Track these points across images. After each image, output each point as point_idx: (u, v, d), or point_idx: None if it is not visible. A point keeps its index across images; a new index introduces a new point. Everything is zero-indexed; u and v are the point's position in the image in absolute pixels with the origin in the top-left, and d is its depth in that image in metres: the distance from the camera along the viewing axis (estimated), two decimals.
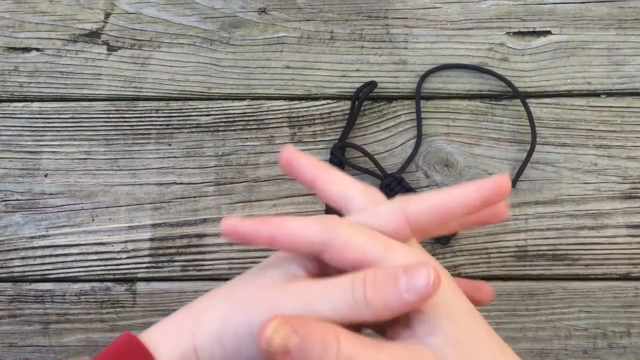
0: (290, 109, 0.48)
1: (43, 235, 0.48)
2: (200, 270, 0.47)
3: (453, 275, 0.46)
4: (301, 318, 0.23)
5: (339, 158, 0.46)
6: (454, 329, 0.24)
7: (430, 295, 0.23)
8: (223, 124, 0.48)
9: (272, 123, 0.48)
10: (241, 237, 0.25)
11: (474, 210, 0.26)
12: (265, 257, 0.46)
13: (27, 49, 0.50)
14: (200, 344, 0.25)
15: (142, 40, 0.50)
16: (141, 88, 0.49)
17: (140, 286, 0.47)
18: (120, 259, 0.47)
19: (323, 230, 0.25)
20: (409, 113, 0.48)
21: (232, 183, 0.48)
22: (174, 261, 0.47)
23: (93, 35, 0.50)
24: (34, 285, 0.48)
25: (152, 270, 0.47)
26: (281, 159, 0.28)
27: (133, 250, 0.47)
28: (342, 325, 0.24)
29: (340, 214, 0.28)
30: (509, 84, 0.47)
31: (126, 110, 0.49)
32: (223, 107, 0.49)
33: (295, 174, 0.28)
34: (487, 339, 0.24)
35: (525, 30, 0.49)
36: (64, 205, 0.48)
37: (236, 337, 0.25)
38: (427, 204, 0.26)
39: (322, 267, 0.27)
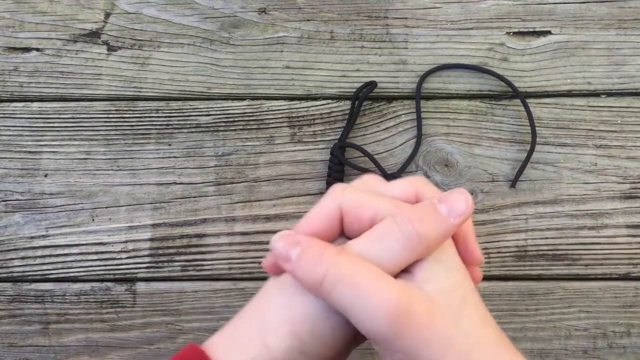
0: (290, 109, 0.48)
1: (43, 235, 0.48)
2: (200, 270, 0.47)
3: None
4: (308, 236, 0.26)
5: (339, 158, 0.46)
6: (448, 281, 0.26)
7: (470, 213, 0.25)
8: (223, 124, 0.48)
9: (272, 123, 0.48)
10: (279, 266, 0.26)
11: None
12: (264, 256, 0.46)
13: (27, 49, 0.50)
14: (273, 342, 0.25)
15: (142, 40, 0.50)
16: (141, 88, 0.49)
17: (140, 286, 0.47)
18: (120, 259, 0.47)
19: (333, 198, 0.27)
20: (409, 113, 0.48)
21: (232, 183, 0.48)
22: (174, 261, 0.47)
23: (93, 35, 0.50)
24: (34, 285, 0.48)
25: (152, 270, 0.47)
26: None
27: (133, 250, 0.47)
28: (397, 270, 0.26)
29: None
30: (509, 84, 0.47)
31: (126, 110, 0.49)
32: (223, 107, 0.49)
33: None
34: (473, 295, 0.26)
35: (525, 30, 0.49)
36: (64, 205, 0.48)
37: (309, 320, 0.25)
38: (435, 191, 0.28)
39: None
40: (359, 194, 0.27)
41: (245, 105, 0.49)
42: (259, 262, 0.47)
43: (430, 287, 0.25)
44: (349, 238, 0.27)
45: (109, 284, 0.47)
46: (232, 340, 0.26)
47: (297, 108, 0.48)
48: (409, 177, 0.29)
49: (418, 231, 0.25)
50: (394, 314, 0.23)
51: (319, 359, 0.26)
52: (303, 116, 0.48)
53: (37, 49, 0.50)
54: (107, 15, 0.50)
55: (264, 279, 0.47)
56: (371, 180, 0.30)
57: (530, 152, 0.46)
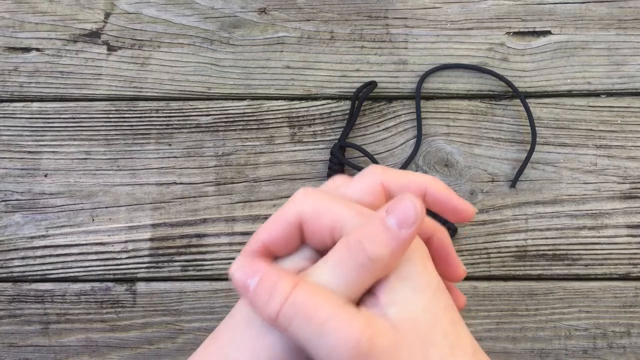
0: (290, 109, 0.48)
1: (43, 235, 0.48)
2: (200, 270, 0.47)
3: None
4: (268, 263, 0.24)
5: (339, 158, 0.46)
6: (416, 304, 0.23)
7: (422, 219, 0.23)
8: (223, 124, 0.48)
9: (272, 123, 0.48)
10: (244, 285, 0.24)
11: (437, 210, 0.27)
12: None
13: (27, 49, 0.50)
14: None
15: (142, 40, 0.50)
16: (141, 88, 0.49)
17: (140, 286, 0.47)
18: (120, 259, 0.47)
19: (294, 204, 0.25)
20: (409, 113, 0.48)
21: (232, 183, 0.48)
22: (174, 261, 0.47)
23: (93, 35, 0.50)
24: (34, 285, 0.48)
25: (152, 270, 0.47)
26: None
27: (133, 250, 0.47)
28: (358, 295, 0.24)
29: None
30: (509, 84, 0.47)
31: (126, 110, 0.49)
32: (223, 107, 0.49)
33: None
34: (444, 316, 0.24)
35: (525, 30, 0.49)
36: (64, 205, 0.48)
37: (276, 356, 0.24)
38: (405, 180, 0.26)
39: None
40: (319, 201, 0.25)
41: (245, 105, 0.49)
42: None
43: (395, 312, 0.23)
44: (317, 249, 0.26)
45: (109, 284, 0.47)
46: None
47: (297, 108, 0.48)
48: (368, 168, 0.27)
49: (370, 255, 0.23)
50: (355, 353, 0.21)
51: None
52: (303, 116, 0.48)
53: (37, 49, 0.50)
54: (107, 15, 0.50)
55: None
56: (338, 180, 0.27)
57: (530, 152, 0.46)
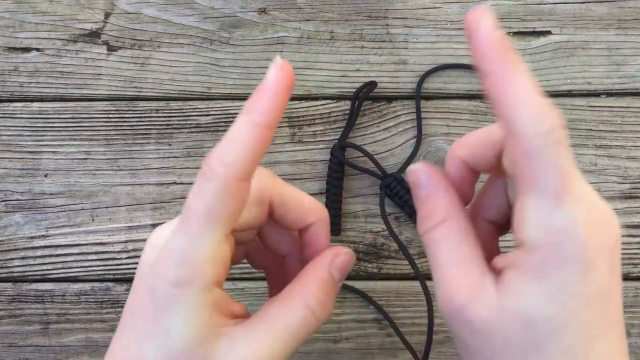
0: (290, 109, 0.48)
1: (43, 235, 0.48)
2: None
3: None
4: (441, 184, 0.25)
5: (339, 158, 0.46)
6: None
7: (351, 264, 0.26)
8: (223, 124, 0.48)
9: None
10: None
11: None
12: None
13: (27, 49, 0.50)
14: None
15: (142, 40, 0.50)
16: (141, 88, 0.49)
17: None
18: (120, 259, 0.47)
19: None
20: (409, 113, 0.48)
21: None
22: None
23: (93, 35, 0.50)
24: (34, 285, 0.48)
25: None
26: (468, 18, 0.22)
27: (133, 250, 0.47)
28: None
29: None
30: None
31: (126, 110, 0.49)
32: (223, 107, 0.49)
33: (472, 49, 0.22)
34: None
35: (525, 30, 0.49)
36: (64, 205, 0.48)
37: None
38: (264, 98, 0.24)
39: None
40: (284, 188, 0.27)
41: None
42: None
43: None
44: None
45: (109, 284, 0.47)
46: None
47: (297, 108, 0.48)
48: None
49: (321, 318, 0.24)
50: (448, 311, 0.23)
51: None
52: (303, 116, 0.48)
53: (37, 49, 0.50)
54: (107, 15, 0.50)
55: (265, 279, 0.47)
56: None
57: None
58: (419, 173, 0.25)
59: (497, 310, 0.21)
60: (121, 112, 0.49)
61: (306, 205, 0.26)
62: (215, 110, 0.49)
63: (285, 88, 0.22)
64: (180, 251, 0.22)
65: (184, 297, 0.21)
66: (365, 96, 0.47)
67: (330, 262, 0.25)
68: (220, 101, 0.49)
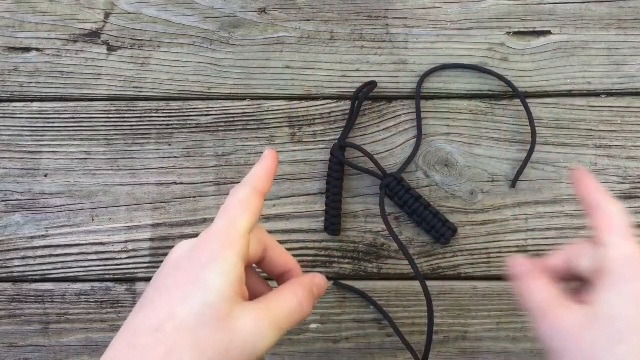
0: (290, 109, 0.48)
1: (43, 235, 0.48)
2: None
3: (453, 275, 0.46)
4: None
5: (339, 158, 0.46)
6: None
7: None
8: (223, 124, 0.48)
9: (272, 123, 0.48)
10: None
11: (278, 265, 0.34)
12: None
13: (27, 49, 0.50)
14: None
15: (142, 40, 0.50)
16: (141, 88, 0.49)
17: (140, 286, 0.47)
18: (120, 259, 0.47)
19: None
20: (409, 113, 0.48)
21: (232, 183, 0.48)
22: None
23: (93, 35, 0.50)
24: (34, 285, 0.48)
25: (152, 270, 0.47)
26: (573, 177, 0.33)
27: (133, 250, 0.47)
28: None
29: None
30: (509, 84, 0.47)
31: (126, 110, 0.49)
32: (223, 107, 0.49)
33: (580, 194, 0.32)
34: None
35: (525, 30, 0.49)
36: (64, 205, 0.48)
37: None
38: (260, 173, 0.33)
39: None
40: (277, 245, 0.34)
41: (245, 105, 0.49)
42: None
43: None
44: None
45: (109, 284, 0.47)
46: None
47: (297, 108, 0.48)
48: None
49: (305, 311, 0.30)
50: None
51: None
52: (303, 116, 0.48)
53: (37, 49, 0.50)
54: (107, 15, 0.50)
55: (265, 279, 0.47)
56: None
57: (530, 152, 0.46)
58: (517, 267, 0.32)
59: (585, 317, 0.28)
60: (121, 112, 0.49)
61: (288, 256, 0.34)
62: (215, 110, 0.49)
63: (273, 171, 0.33)
64: (222, 226, 0.29)
65: (226, 255, 0.27)
66: (365, 96, 0.47)
67: (311, 279, 0.32)
68: (220, 101, 0.49)
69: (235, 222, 0.29)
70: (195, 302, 0.25)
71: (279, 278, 0.34)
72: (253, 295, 0.31)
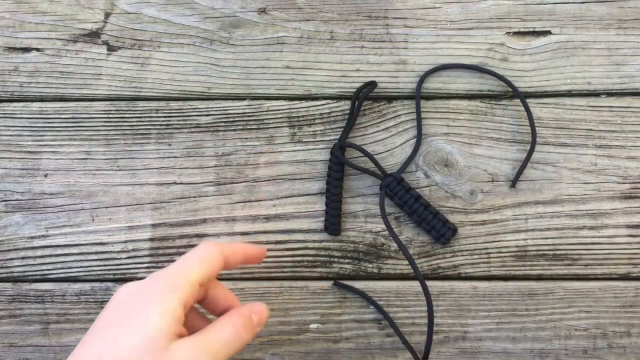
0: (290, 109, 0.48)
1: (43, 235, 0.48)
2: None
3: (453, 275, 0.46)
4: None
5: (339, 158, 0.46)
6: None
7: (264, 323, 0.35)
8: (223, 124, 0.48)
9: (272, 123, 0.48)
10: None
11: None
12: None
13: (27, 49, 0.50)
14: None
15: (142, 40, 0.50)
16: (141, 88, 0.49)
17: None
18: (120, 259, 0.47)
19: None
20: (409, 113, 0.48)
21: (232, 183, 0.48)
22: (174, 261, 0.47)
23: (93, 35, 0.50)
24: (34, 285, 0.48)
25: (152, 270, 0.47)
26: None
27: (133, 250, 0.47)
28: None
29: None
30: (509, 84, 0.47)
31: (126, 110, 0.49)
32: (223, 107, 0.49)
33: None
34: None
35: (525, 30, 0.49)
36: (64, 205, 0.48)
37: None
38: (234, 248, 0.36)
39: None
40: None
41: (245, 105, 0.49)
42: (259, 262, 0.47)
43: None
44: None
45: (109, 284, 0.47)
46: None
47: (297, 108, 0.48)
48: (204, 253, 0.34)
49: (244, 338, 0.32)
50: None
51: None
52: (303, 116, 0.48)
53: (37, 49, 0.50)
54: (107, 15, 0.50)
55: (264, 279, 0.47)
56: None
57: (530, 152, 0.46)
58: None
59: None
60: (121, 112, 0.49)
61: (230, 293, 0.36)
62: (215, 110, 0.49)
63: (249, 258, 0.37)
64: (173, 271, 0.31)
65: (168, 298, 0.29)
66: (365, 96, 0.47)
67: (250, 308, 0.34)
68: (220, 101, 0.49)
69: (187, 270, 0.31)
70: (135, 336, 0.28)
71: (221, 314, 0.36)
72: (193, 331, 0.33)
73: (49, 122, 0.49)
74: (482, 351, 0.45)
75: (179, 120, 0.48)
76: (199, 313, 0.37)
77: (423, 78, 0.48)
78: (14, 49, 0.50)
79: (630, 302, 0.45)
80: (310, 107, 0.48)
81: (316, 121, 0.48)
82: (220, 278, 0.47)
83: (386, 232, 0.46)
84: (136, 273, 0.47)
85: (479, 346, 0.46)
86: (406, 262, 0.46)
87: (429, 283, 0.46)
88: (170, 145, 0.48)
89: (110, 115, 0.49)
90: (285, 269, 0.47)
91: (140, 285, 0.31)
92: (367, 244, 0.47)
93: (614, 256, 0.45)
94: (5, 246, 0.48)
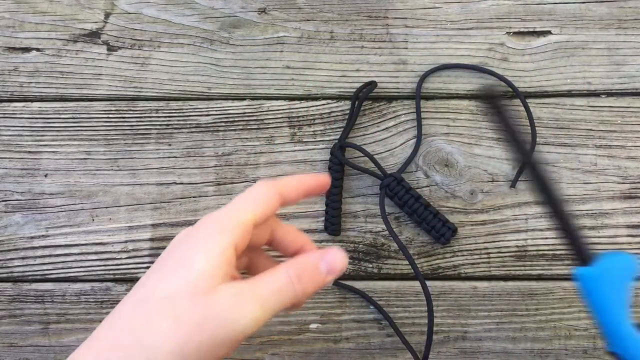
0: (290, 109, 0.48)
1: (43, 235, 0.48)
2: None
3: (453, 275, 0.46)
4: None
5: (339, 158, 0.46)
6: None
7: (344, 270, 0.30)
8: (223, 124, 0.48)
9: (272, 123, 0.48)
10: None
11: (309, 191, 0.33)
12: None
13: (27, 49, 0.50)
14: None
15: (142, 40, 0.50)
16: (141, 88, 0.49)
17: None
18: (120, 259, 0.47)
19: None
20: (409, 113, 0.48)
21: (232, 183, 0.48)
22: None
23: (93, 35, 0.50)
24: (34, 285, 0.48)
25: None
26: None
27: (133, 250, 0.47)
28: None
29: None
30: (509, 84, 0.47)
31: (126, 110, 0.49)
32: (223, 107, 0.49)
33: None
34: None
35: (525, 30, 0.49)
36: (64, 205, 0.48)
37: (197, 353, 0.26)
38: (289, 183, 0.32)
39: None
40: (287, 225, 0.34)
41: (245, 105, 0.49)
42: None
43: None
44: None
45: (109, 284, 0.47)
46: None
47: (297, 108, 0.48)
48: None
49: (305, 289, 0.28)
50: None
51: None
52: (303, 116, 0.48)
53: (37, 49, 0.50)
54: (107, 15, 0.50)
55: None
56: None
57: (530, 152, 0.46)
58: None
59: None
60: (121, 112, 0.49)
61: (298, 233, 0.33)
62: (215, 110, 0.49)
63: (308, 188, 0.32)
64: (223, 213, 0.29)
65: (216, 240, 0.27)
66: (365, 96, 0.47)
67: (318, 256, 0.30)
68: (220, 101, 0.49)
69: (237, 211, 0.29)
70: (180, 279, 0.27)
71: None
72: None
73: (49, 122, 0.49)
74: (482, 351, 0.45)
75: (179, 120, 0.48)
76: (271, 258, 0.34)
77: (423, 78, 0.48)
78: (14, 49, 0.50)
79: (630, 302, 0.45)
80: (310, 107, 0.48)
81: (316, 121, 0.48)
82: None
83: (386, 232, 0.46)
84: (136, 273, 0.47)
85: (479, 346, 0.46)
86: (406, 262, 0.46)
87: (429, 283, 0.46)
88: (170, 145, 0.48)
89: (110, 115, 0.49)
90: None
91: (189, 230, 0.29)
92: (367, 244, 0.47)
93: None
94: (5, 246, 0.48)
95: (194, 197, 0.48)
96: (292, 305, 0.29)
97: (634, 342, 0.29)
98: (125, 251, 0.47)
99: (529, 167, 0.30)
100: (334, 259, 0.29)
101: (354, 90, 0.48)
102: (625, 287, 0.29)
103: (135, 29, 0.50)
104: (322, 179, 0.33)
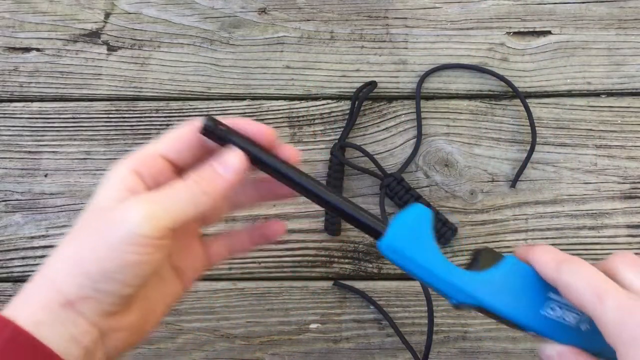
0: (290, 109, 0.48)
1: (43, 235, 0.48)
2: None
3: None
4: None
5: (339, 158, 0.46)
6: None
7: (244, 168, 0.30)
8: None
9: (272, 123, 0.48)
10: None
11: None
12: (264, 256, 0.46)
13: (27, 49, 0.50)
14: (64, 285, 0.28)
15: (142, 40, 0.50)
16: (141, 88, 0.49)
17: None
18: None
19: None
20: (409, 113, 0.48)
21: None
22: None
23: (93, 35, 0.50)
24: None
25: None
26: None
27: None
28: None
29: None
30: (509, 84, 0.47)
31: (126, 110, 0.49)
32: (223, 107, 0.49)
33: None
34: None
35: (525, 30, 0.49)
36: (64, 205, 0.48)
37: (97, 262, 0.28)
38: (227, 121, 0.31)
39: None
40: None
41: (245, 105, 0.49)
42: (259, 262, 0.47)
43: None
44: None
45: None
46: (27, 296, 0.28)
47: (297, 108, 0.48)
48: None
49: (203, 189, 0.29)
50: None
51: (112, 295, 0.28)
52: (303, 116, 0.48)
53: (37, 49, 0.50)
54: (107, 15, 0.50)
55: (264, 279, 0.47)
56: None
57: (530, 152, 0.46)
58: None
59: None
60: (121, 112, 0.49)
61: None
62: (215, 110, 0.49)
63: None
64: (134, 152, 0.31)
65: (116, 170, 0.30)
66: (365, 96, 0.47)
67: (215, 157, 0.30)
68: (220, 101, 0.49)
69: (142, 148, 0.31)
70: (89, 208, 0.30)
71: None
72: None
73: (49, 122, 0.49)
74: (482, 351, 0.45)
75: (179, 120, 0.48)
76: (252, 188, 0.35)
77: (423, 78, 0.48)
78: (14, 49, 0.50)
79: None
80: (310, 107, 0.48)
81: (316, 121, 0.48)
82: (220, 278, 0.47)
83: None
84: None
85: (479, 346, 0.45)
86: None
87: None
88: None
89: (110, 115, 0.49)
90: (285, 269, 0.47)
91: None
92: (367, 244, 0.47)
93: None
94: (5, 246, 0.48)
95: None
96: (202, 210, 0.29)
97: (470, 280, 0.28)
98: None
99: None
100: (227, 156, 0.30)
101: (354, 90, 0.48)
102: (430, 236, 0.29)
103: (135, 29, 0.50)
104: (262, 126, 0.31)
